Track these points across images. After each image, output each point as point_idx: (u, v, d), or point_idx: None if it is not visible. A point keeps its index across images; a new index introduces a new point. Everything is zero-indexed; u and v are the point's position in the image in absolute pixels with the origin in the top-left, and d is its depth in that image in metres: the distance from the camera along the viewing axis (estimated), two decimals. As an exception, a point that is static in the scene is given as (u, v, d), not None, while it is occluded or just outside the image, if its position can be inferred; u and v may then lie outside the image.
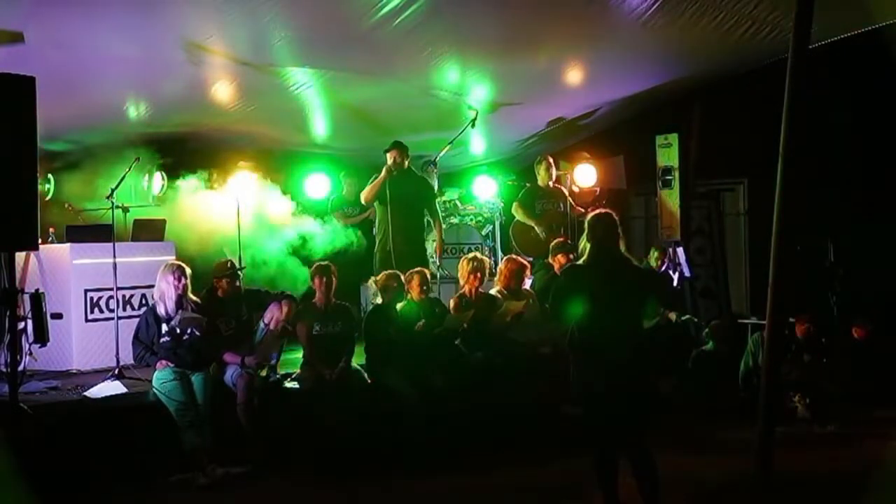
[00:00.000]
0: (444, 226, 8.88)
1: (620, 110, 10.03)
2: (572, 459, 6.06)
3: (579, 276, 4.93)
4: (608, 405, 4.76)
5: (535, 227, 8.97)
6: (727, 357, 8.39)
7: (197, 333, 6.30)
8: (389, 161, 8.02)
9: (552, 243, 8.22)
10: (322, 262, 7.06)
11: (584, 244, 4.92)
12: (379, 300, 6.99)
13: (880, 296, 9.09)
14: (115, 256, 6.97)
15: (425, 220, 8.50)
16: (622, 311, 4.78)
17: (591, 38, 7.69)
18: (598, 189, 10.34)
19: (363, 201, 8.49)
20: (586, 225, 4.96)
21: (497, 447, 6.47)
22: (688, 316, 9.14)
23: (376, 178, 8.14)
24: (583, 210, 9.37)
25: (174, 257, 7.47)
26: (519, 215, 9.17)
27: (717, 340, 8.47)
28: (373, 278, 7.42)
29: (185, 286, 6.35)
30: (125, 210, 7.74)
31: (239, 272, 6.87)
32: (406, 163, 8.13)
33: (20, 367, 5.69)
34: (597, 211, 5.10)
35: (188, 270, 6.45)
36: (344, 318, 6.79)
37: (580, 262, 4.99)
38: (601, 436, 4.84)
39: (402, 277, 7.02)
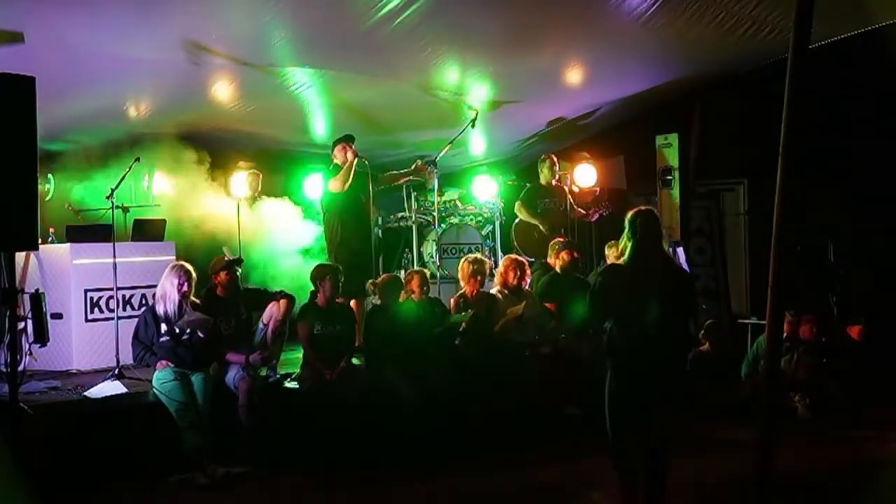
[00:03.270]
0: (443, 226, 8.89)
1: (620, 110, 10.03)
2: (572, 459, 6.08)
3: (621, 276, 4.75)
4: (646, 408, 4.65)
5: (540, 226, 8.96)
6: (726, 357, 8.38)
7: (201, 335, 6.29)
8: (350, 155, 7.63)
9: (552, 242, 8.20)
10: (326, 263, 7.05)
11: (626, 243, 4.75)
12: (378, 301, 7.00)
13: (880, 295, 9.09)
14: (115, 256, 6.97)
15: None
16: (666, 313, 4.62)
17: (591, 38, 7.69)
18: (598, 189, 10.34)
19: (336, 190, 7.71)
20: (627, 223, 4.78)
21: (497, 447, 6.46)
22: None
23: (337, 169, 7.68)
24: (583, 211, 9.39)
25: (174, 257, 7.47)
26: (522, 214, 9.15)
27: (715, 340, 8.46)
28: (371, 281, 7.40)
29: (186, 292, 6.34)
30: (125, 210, 7.74)
31: (236, 265, 6.82)
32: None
33: (20, 367, 5.68)
34: (639, 208, 4.89)
35: (194, 276, 6.43)
36: (345, 318, 6.79)
37: (621, 261, 4.82)
38: (632, 438, 4.69)
39: (402, 278, 7.03)
